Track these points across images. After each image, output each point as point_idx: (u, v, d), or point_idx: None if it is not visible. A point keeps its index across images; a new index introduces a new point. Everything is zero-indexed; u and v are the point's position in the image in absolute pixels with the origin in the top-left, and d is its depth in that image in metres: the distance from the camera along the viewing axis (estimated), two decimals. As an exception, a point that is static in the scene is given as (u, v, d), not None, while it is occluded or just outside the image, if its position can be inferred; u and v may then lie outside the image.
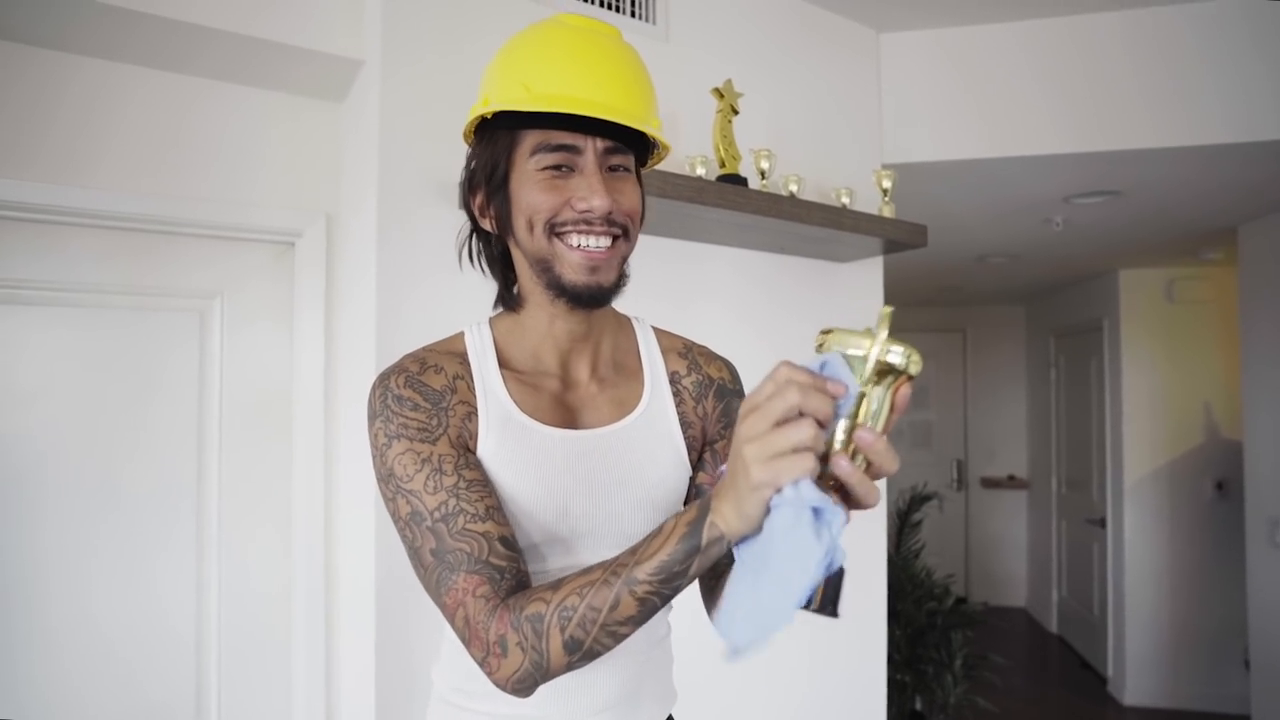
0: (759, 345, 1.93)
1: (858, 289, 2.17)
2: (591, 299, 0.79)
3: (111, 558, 1.50)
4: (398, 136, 1.45)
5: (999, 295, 5.24)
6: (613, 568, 0.65)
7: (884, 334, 0.56)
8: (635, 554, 0.65)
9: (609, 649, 0.67)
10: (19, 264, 1.43)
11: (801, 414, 0.55)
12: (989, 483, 5.59)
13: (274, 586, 1.66)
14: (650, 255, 1.75)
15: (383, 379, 0.79)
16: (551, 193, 0.76)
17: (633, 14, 1.75)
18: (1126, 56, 2.13)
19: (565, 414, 0.84)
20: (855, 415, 0.57)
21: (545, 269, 0.78)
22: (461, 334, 0.86)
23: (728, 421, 0.92)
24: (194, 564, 1.58)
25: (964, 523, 5.67)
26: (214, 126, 1.60)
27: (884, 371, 0.56)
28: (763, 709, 1.93)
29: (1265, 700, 3.03)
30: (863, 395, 0.56)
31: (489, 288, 0.89)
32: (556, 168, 0.76)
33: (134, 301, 1.54)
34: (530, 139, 0.76)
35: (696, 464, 0.90)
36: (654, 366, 0.90)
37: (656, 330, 0.95)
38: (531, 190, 0.76)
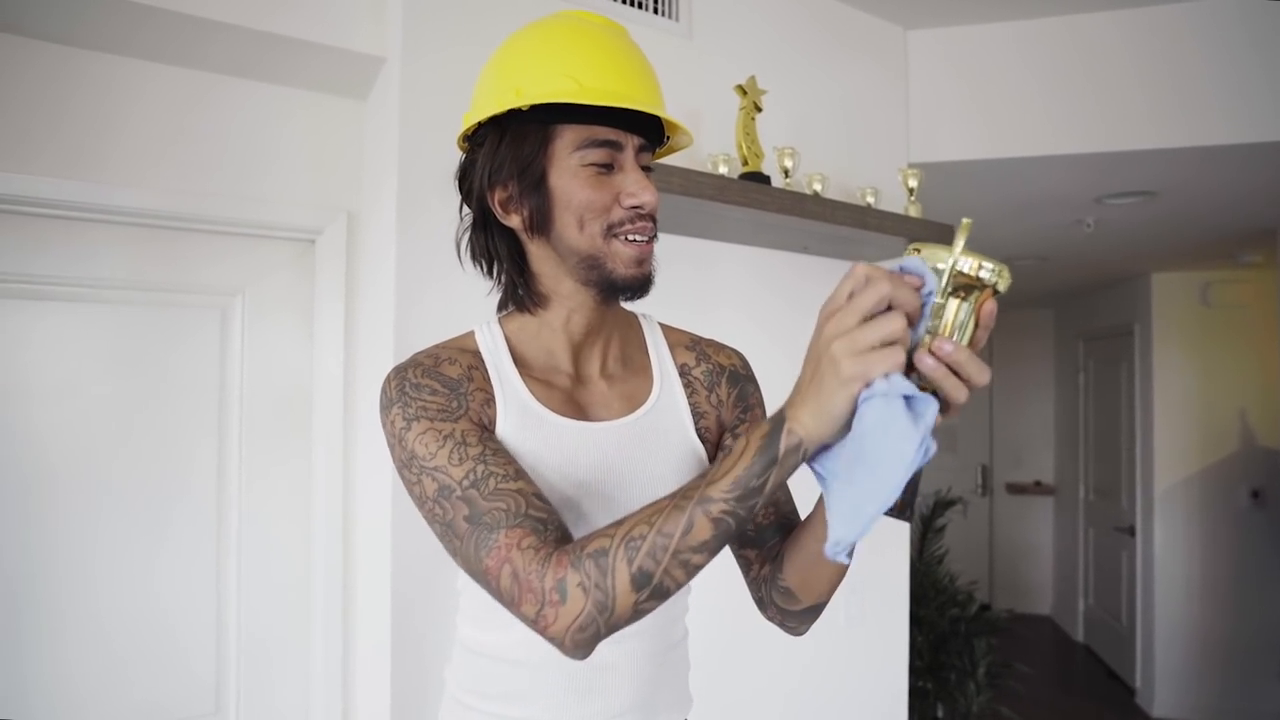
0: (776, 348, 1.90)
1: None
2: (640, 289, 0.80)
3: (132, 553, 1.51)
4: (418, 133, 1.45)
5: (1026, 298, 5.14)
6: (683, 493, 0.63)
7: (960, 244, 0.56)
8: (706, 476, 0.62)
9: (679, 585, 0.63)
10: (43, 260, 1.45)
11: (890, 308, 0.55)
12: (1014, 489, 5.49)
13: (293, 582, 1.67)
14: (666, 254, 1.73)
15: (398, 371, 0.79)
16: (602, 190, 0.76)
17: (656, 10, 1.74)
18: (1160, 53, 2.07)
19: (576, 409, 0.84)
20: (936, 324, 0.57)
21: (594, 266, 0.78)
22: (472, 333, 0.86)
23: (745, 406, 0.91)
24: (213, 559, 1.59)
25: (989, 529, 5.58)
26: (238, 123, 1.61)
27: (968, 286, 0.57)
28: (781, 715, 1.90)
29: (1302, 717, 2.94)
30: (941, 305, 0.57)
31: (494, 285, 0.87)
32: (603, 165, 0.76)
33: (156, 298, 1.55)
34: (571, 134, 0.76)
35: (718, 451, 0.90)
36: (662, 361, 0.90)
37: (663, 326, 0.95)
38: (582, 187, 0.76)
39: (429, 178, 1.45)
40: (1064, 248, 3.40)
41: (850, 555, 0.58)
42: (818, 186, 1.76)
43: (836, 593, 2.00)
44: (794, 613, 0.82)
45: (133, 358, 1.53)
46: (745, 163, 1.65)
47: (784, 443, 0.59)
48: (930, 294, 0.56)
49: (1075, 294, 4.91)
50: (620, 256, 0.78)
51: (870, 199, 1.85)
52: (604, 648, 0.77)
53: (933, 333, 0.57)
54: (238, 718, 1.60)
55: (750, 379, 0.94)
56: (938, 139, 2.21)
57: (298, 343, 1.70)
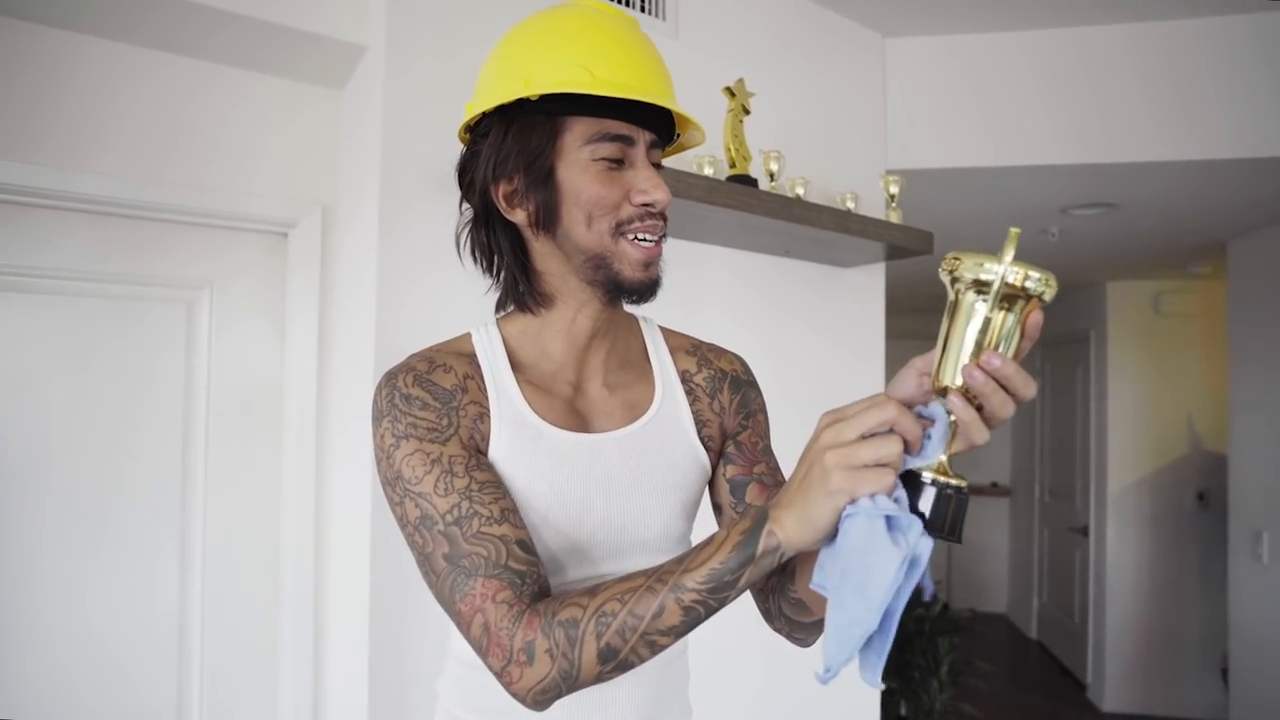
0: (760, 349, 1.90)
1: (860, 294, 2.15)
2: (647, 293, 0.77)
3: (94, 555, 1.43)
4: (401, 126, 1.40)
5: (986, 303, 5.26)
6: (658, 575, 0.63)
7: (1009, 254, 0.56)
8: (683, 562, 0.63)
9: (643, 661, 0.64)
10: (11, 248, 1.36)
11: (891, 431, 0.56)
12: (972, 490, 5.62)
13: (261, 588, 1.60)
14: (655, 255, 1.72)
15: (390, 378, 0.76)
16: (612, 186, 0.74)
17: (643, 8, 1.72)
18: (1131, 69, 2.13)
19: (577, 419, 0.81)
20: (983, 337, 0.57)
21: (600, 265, 0.75)
22: (468, 335, 0.83)
23: (747, 413, 0.90)
24: (177, 563, 1.52)
25: (947, 529, 5.70)
26: (208, 109, 1.53)
27: (1012, 296, 0.57)
28: (752, 715, 1.90)
29: (1242, 709, 3.07)
30: (988, 320, 0.56)
31: (493, 283, 0.84)
32: (614, 160, 0.74)
33: (120, 290, 1.47)
34: (582, 127, 0.73)
35: (719, 460, 0.88)
36: (663, 366, 0.88)
37: (664, 330, 0.93)
38: (592, 182, 0.73)
39: (412, 173, 1.41)
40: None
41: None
42: (800, 190, 1.76)
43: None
44: (804, 624, 0.81)
45: (93, 353, 1.45)
46: (733, 165, 1.65)
47: (763, 543, 0.60)
48: (934, 439, 0.58)
49: (1033, 300, 5.04)
50: (628, 258, 0.75)
51: (850, 204, 1.86)
52: None
53: (979, 343, 0.57)
54: (200, 731, 1.53)
55: (751, 384, 0.93)
56: (914, 146, 2.24)
57: (268, 340, 1.63)
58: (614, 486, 0.79)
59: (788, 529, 0.59)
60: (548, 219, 0.75)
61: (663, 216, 0.77)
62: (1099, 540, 4.13)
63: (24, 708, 1.37)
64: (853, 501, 0.56)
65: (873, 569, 0.55)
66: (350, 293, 1.53)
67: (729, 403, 0.89)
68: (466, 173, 0.80)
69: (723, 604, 0.62)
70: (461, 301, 1.34)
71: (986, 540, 5.57)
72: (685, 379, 0.89)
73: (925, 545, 0.56)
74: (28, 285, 1.39)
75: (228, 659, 1.56)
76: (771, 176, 1.73)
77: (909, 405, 0.60)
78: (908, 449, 0.57)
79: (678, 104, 0.78)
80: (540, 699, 0.65)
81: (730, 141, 1.64)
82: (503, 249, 0.80)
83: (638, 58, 0.74)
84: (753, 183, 1.64)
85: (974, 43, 2.22)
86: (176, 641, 1.52)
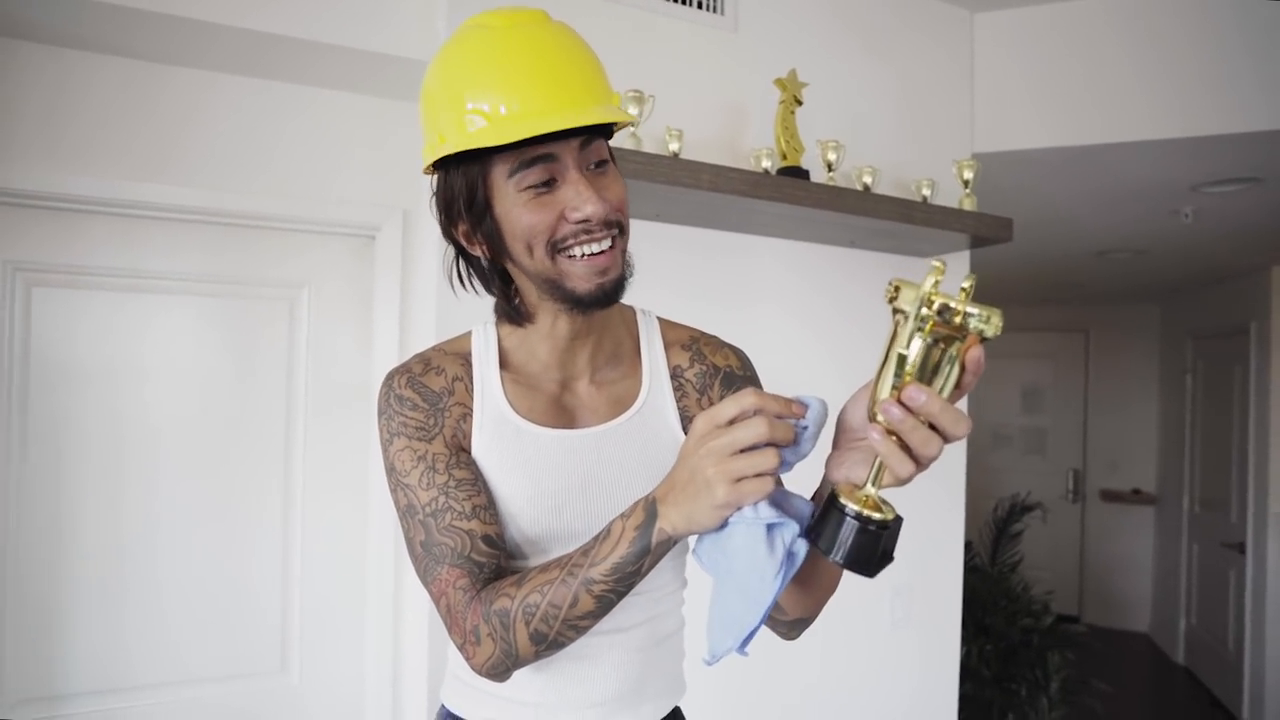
0: (819, 345, 1.87)
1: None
2: (606, 300, 0.77)
3: (209, 523, 1.67)
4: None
5: (1128, 293, 4.79)
6: (569, 567, 0.69)
7: (927, 285, 0.54)
8: (588, 555, 0.69)
9: (574, 640, 0.72)
10: (134, 255, 1.61)
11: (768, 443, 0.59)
12: (1109, 496, 5.15)
13: (350, 553, 1.80)
14: (704, 248, 1.74)
15: (388, 378, 0.83)
16: (543, 210, 0.73)
17: (699, 5, 1.74)
18: (1251, 27, 1.89)
19: (562, 415, 0.84)
20: (910, 370, 0.55)
21: (554, 286, 0.76)
22: (470, 333, 0.88)
23: None
24: (280, 533, 1.73)
25: (1079, 537, 5.26)
26: (305, 127, 1.72)
27: (948, 336, 0.55)
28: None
29: None
30: (903, 357, 0.55)
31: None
32: (543, 183, 0.73)
33: (231, 290, 1.70)
34: (502, 163, 0.73)
35: None
36: (654, 361, 0.88)
37: (663, 322, 0.92)
38: (522, 212, 0.73)
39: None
40: (1163, 240, 3.16)
41: (745, 648, 0.64)
42: (868, 179, 1.71)
43: (882, 593, 1.95)
44: (781, 621, 0.82)
45: (208, 346, 1.68)
46: (784, 157, 1.64)
47: (655, 537, 0.66)
48: (806, 427, 0.60)
49: (1183, 288, 4.54)
50: (575, 274, 0.75)
51: (926, 192, 1.79)
52: (588, 639, 0.79)
53: (900, 376, 0.55)
54: (300, 675, 1.74)
55: (749, 379, 0.91)
56: (1006, 127, 2.10)
57: (358, 332, 1.81)
58: (593, 481, 0.81)
59: (677, 525, 0.64)
60: (499, 252, 0.78)
61: (608, 224, 0.74)
62: (1258, 560, 3.67)
63: (146, 656, 1.62)
64: (738, 509, 0.61)
65: (752, 575, 0.60)
66: (420, 287, 1.67)
67: (719, 399, 0.87)
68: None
69: (631, 587, 0.69)
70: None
71: (1127, 551, 5.08)
72: (676, 374, 0.89)
73: (801, 545, 0.60)
74: (153, 287, 1.63)
75: (323, 614, 1.76)
76: (830, 167, 1.70)
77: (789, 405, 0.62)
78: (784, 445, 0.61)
79: (605, 90, 0.75)
80: (494, 673, 0.74)
81: (781, 133, 1.63)
82: (484, 274, 0.84)
83: (540, 75, 0.71)
84: (804, 174, 1.63)
85: (1074, 10, 2.05)
86: (280, 600, 1.73)
